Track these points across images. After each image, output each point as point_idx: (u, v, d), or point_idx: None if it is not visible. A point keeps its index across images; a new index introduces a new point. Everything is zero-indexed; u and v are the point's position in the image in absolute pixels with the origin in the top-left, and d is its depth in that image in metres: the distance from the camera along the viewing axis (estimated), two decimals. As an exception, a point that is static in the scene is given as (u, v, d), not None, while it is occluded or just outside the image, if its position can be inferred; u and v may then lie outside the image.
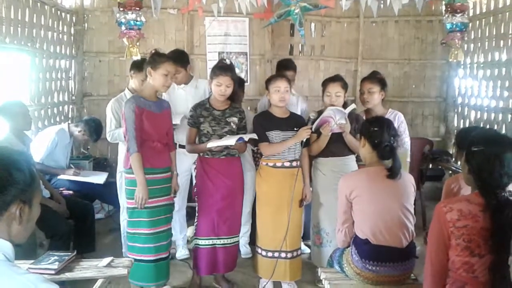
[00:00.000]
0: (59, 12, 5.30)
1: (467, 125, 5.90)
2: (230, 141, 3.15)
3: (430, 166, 5.90)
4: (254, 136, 3.31)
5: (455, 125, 6.27)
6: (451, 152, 6.05)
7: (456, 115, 6.28)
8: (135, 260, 3.07)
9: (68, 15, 5.57)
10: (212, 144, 3.20)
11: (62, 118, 5.47)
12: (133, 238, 3.17)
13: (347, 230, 2.58)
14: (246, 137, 3.23)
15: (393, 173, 2.49)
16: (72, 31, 5.73)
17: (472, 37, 5.82)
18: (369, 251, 2.45)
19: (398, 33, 6.29)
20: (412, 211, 2.55)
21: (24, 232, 1.32)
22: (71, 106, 5.77)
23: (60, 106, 5.44)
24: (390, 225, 2.46)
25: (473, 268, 1.79)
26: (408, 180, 2.59)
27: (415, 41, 6.29)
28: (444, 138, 6.34)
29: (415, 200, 2.64)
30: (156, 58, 3.09)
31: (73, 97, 5.82)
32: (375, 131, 2.58)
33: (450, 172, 5.69)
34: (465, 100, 6.02)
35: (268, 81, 3.38)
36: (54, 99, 5.24)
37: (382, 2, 5.35)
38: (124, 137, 3.16)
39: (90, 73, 5.96)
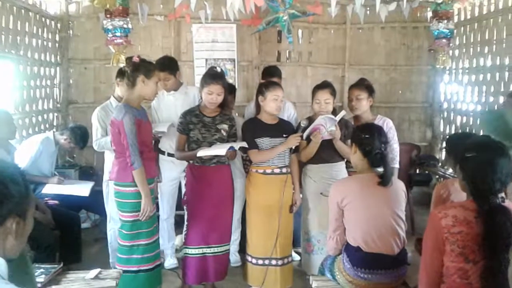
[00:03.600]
0: (43, 18, 5.21)
1: (453, 130, 5.97)
2: (221, 150, 3.12)
3: (418, 171, 5.95)
4: (244, 144, 3.29)
5: (441, 130, 6.33)
6: (437, 157, 6.10)
7: (442, 120, 6.34)
8: (133, 271, 3.06)
9: (52, 22, 5.49)
10: (203, 152, 3.17)
11: (47, 126, 5.38)
12: (130, 250, 3.10)
13: (339, 237, 2.57)
14: (237, 145, 3.21)
15: (384, 180, 2.49)
16: (57, 38, 5.64)
17: (457, 43, 5.89)
18: (361, 259, 2.43)
19: (385, 40, 6.33)
20: (404, 218, 2.55)
21: (18, 246, 1.29)
22: (56, 114, 5.67)
23: (45, 114, 5.34)
24: (382, 232, 2.45)
25: (467, 274, 1.79)
26: (399, 187, 2.59)
27: (401, 47, 6.34)
28: (431, 143, 6.39)
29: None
30: (149, 66, 3.04)
31: (58, 105, 5.72)
32: (366, 138, 2.57)
33: (437, 176, 5.73)
34: (451, 105, 6.08)
35: (266, 88, 3.33)
36: (38, 107, 5.14)
37: (368, 9, 5.39)
38: (114, 149, 3.10)
39: (75, 80, 5.87)
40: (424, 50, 6.19)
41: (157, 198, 3.36)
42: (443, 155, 6.07)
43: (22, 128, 4.67)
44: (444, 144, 5.62)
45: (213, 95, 3.23)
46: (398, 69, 6.37)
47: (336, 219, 2.56)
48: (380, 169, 2.56)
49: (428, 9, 4.86)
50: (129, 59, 3.05)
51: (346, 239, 2.54)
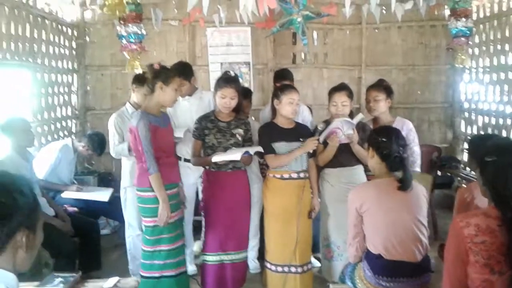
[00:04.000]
0: (60, 26, 5.27)
1: (475, 130, 5.82)
2: (236, 155, 3.10)
3: (439, 173, 5.82)
4: (259, 149, 3.25)
5: (463, 130, 6.18)
6: (459, 159, 5.96)
7: (463, 121, 6.19)
8: (155, 277, 3.06)
9: (69, 29, 5.55)
10: (217, 158, 3.15)
11: (65, 133, 5.43)
12: (152, 256, 3.09)
13: (358, 244, 2.51)
14: (252, 150, 3.18)
15: (404, 184, 2.42)
16: (74, 45, 5.70)
17: (477, 41, 5.76)
18: (382, 266, 2.37)
19: (402, 39, 6.23)
20: (426, 223, 2.48)
21: (29, 260, 1.28)
22: (74, 121, 5.73)
23: (63, 121, 5.40)
24: (403, 238, 2.38)
25: (493, 287, 1.71)
26: (420, 191, 2.52)
27: (418, 46, 6.24)
28: (452, 144, 6.25)
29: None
30: (168, 73, 3.06)
31: (76, 112, 5.78)
32: (383, 142, 2.50)
33: (460, 178, 5.61)
34: (472, 105, 5.94)
35: (281, 91, 3.29)
36: (57, 114, 5.20)
37: (384, 8, 5.31)
38: (133, 155, 3.13)
39: (92, 87, 5.93)
40: (442, 49, 6.07)
41: (183, 203, 3.32)
42: (465, 156, 5.94)
43: (40, 135, 4.73)
44: (466, 145, 5.50)
45: (226, 99, 3.21)
46: (416, 69, 6.26)
47: (355, 225, 2.50)
48: (400, 173, 2.49)
49: (446, 7, 4.75)
50: (150, 66, 3.08)
51: (366, 246, 2.48)
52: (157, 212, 2.99)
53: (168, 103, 3.10)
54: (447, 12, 4.76)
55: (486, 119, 5.58)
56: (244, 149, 3.16)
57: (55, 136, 5.10)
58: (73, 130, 5.69)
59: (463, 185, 5.55)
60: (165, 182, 3.00)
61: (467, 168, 5.50)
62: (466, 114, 6.10)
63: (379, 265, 2.38)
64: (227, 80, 3.27)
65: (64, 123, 5.42)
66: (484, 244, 1.71)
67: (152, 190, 2.98)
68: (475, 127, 5.84)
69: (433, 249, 3.02)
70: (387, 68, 6.23)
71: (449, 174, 5.77)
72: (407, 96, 6.26)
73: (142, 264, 3.16)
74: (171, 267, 3.10)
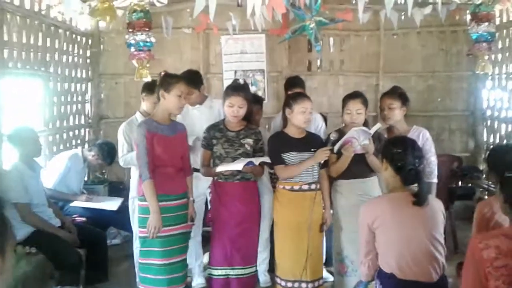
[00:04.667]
0: (74, 35, 5.27)
1: (497, 139, 5.59)
2: (238, 165, 3.00)
3: (460, 184, 5.60)
4: (266, 159, 3.14)
5: (485, 139, 5.94)
6: (481, 169, 5.74)
7: (485, 129, 5.96)
8: None
9: (83, 38, 5.55)
10: (221, 168, 3.08)
11: (79, 141, 5.42)
12: (144, 268, 3.02)
13: (371, 262, 2.36)
14: (256, 161, 3.07)
15: (419, 199, 2.27)
16: (88, 54, 5.70)
17: (500, 46, 5.54)
18: (395, 286, 2.23)
19: (421, 45, 6.05)
20: (442, 241, 2.32)
21: None
22: (87, 129, 5.71)
23: (76, 130, 5.39)
24: (418, 257, 2.23)
25: (516, 314, 1.56)
26: (436, 207, 2.36)
27: (439, 52, 6.05)
28: (474, 153, 6.01)
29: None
30: (169, 80, 3.00)
31: (90, 120, 5.77)
32: (398, 153, 2.36)
33: (481, 189, 5.39)
34: (495, 113, 5.71)
35: (293, 100, 3.18)
36: (70, 123, 5.19)
37: (403, 13, 5.16)
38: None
39: (106, 95, 5.92)
40: (463, 55, 5.85)
41: (192, 220, 3.20)
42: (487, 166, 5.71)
43: (52, 144, 4.71)
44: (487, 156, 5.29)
45: (234, 108, 3.13)
46: (436, 75, 6.06)
47: (367, 242, 2.36)
48: (415, 187, 2.35)
49: (468, 11, 4.58)
50: (159, 75, 3.08)
51: (379, 264, 2.33)
52: (144, 222, 2.92)
53: (173, 109, 3.03)
54: (468, 17, 4.60)
55: (510, 127, 5.34)
56: (248, 159, 3.06)
57: (68, 145, 5.08)
58: (87, 138, 5.68)
59: (485, 196, 5.32)
60: (160, 192, 2.91)
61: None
62: (489, 122, 5.86)
63: (392, 284, 2.23)
64: (235, 88, 3.20)
65: (77, 132, 5.40)
66: (505, 268, 1.56)
67: (144, 199, 2.92)
68: (497, 136, 5.61)
69: (453, 262, 2.86)
70: (406, 75, 6.05)
71: (470, 184, 5.55)
72: (427, 103, 6.07)
73: (139, 276, 3.10)
74: (162, 284, 2.97)
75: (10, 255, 1.19)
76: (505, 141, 5.34)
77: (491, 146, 5.63)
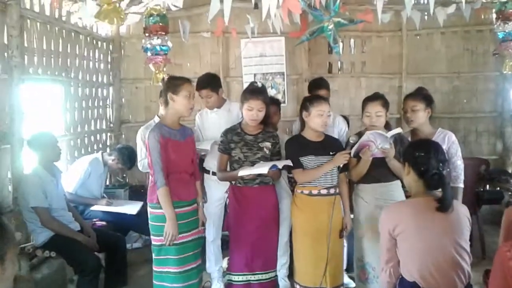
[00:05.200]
0: (94, 41, 5.32)
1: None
2: (263, 169, 2.95)
3: (487, 187, 5.42)
4: (289, 162, 3.08)
5: (514, 141, 5.75)
6: (510, 172, 5.54)
7: (514, 131, 5.76)
8: None
9: (104, 43, 5.60)
10: (244, 172, 3.02)
11: (101, 146, 5.46)
12: (160, 277, 2.98)
13: (392, 270, 2.26)
14: (280, 164, 3.02)
15: (444, 205, 2.16)
16: (109, 59, 5.75)
17: (528, 45, 5.34)
18: (418, 296, 2.13)
19: (445, 45, 5.91)
20: (468, 248, 2.21)
21: None
22: (109, 134, 5.76)
23: (98, 134, 5.43)
24: (441, 265, 2.12)
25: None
26: (462, 213, 2.25)
27: (464, 53, 5.89)
28: (502, 156, 5.82)
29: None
30: (175, 82, 2.97)
31: (111, 125, 5.81)
32: (421, 156, 2.26)
33: (510, 193, 5.19)
34: (524, 114, 5.52)
35: (310, 103, 3.11)
36: (91, 127, 5.23)
37: (426, 13, 5.03)
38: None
39: (127, 100, 5.96)
40: (490, 55, 5.69)
41: (203, 224, 3.17)
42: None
43: (74, 148, 4.75)
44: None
45: (253, 111, 3.08)
46: (462, 76, 5.90)
47: (388, 249, 2.26)
48: (439, 192, 2.24)
49: (493, 10, 4.42)
50: (161, 80, 3.05)
51: (401, 273, 2.23)
52: (160, 230, 2.87)
53: (183, 112, 2.96)
54: (494, 15, 4.44)
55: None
56: (271, 163, 3.01)
57: (89, 149, 5.12)
58: (108, 143, 5.72)
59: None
60: (174, 199, 2.87)
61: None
62: (517, 124, 5.68)
63: (415, 294, 2.13)
64: (254, 91, 3.15)
65: (98, 136, 5.45)
66: (535, 279, 1.46)
67: (161, 207, 2.86)
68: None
69: (479, 269, 2.74)
70: (430, 76, 5.92)
71: (498, 188, 5.35)
72: (453, 105, 5.91)
73: (153, 285, 3.04)
74: None
75: (11, 263, 1.17)
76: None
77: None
